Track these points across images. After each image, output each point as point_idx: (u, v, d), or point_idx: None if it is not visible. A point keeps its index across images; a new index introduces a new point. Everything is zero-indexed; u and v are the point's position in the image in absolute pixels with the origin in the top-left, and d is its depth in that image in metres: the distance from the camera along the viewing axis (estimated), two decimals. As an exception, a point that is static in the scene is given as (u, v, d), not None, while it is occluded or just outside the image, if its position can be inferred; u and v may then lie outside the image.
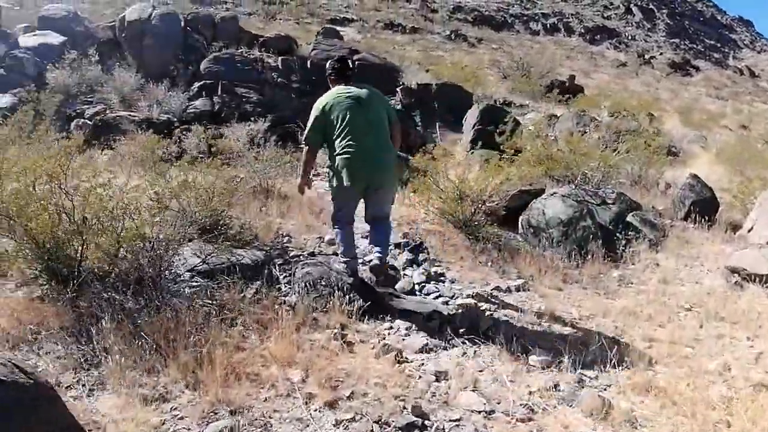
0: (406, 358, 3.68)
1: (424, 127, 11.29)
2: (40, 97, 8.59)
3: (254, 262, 4.93)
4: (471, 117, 10.46)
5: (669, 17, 45.01)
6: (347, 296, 4.42)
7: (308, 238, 5.71)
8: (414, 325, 4.19)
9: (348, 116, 4.19)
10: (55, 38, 12.51)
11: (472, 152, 9.73)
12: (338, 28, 21.66)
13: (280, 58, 11.97)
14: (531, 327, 4.28)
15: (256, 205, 6.48)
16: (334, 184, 4.37)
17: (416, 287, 4.91)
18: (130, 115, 9.83)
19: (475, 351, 3.82)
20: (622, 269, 5.79)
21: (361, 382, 3.34)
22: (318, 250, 5.36)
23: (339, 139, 4.21)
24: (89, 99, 10.63)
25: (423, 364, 3.60)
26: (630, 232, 6.22)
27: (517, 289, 5.06)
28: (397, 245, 5.66)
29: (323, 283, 4.58)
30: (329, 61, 4.70)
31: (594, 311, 4.63)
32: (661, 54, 38.31)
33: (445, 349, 3.84)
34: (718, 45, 45.41)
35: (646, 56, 36.86)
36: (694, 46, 42.66)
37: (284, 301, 4.47)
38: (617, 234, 6.19)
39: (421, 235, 6.00)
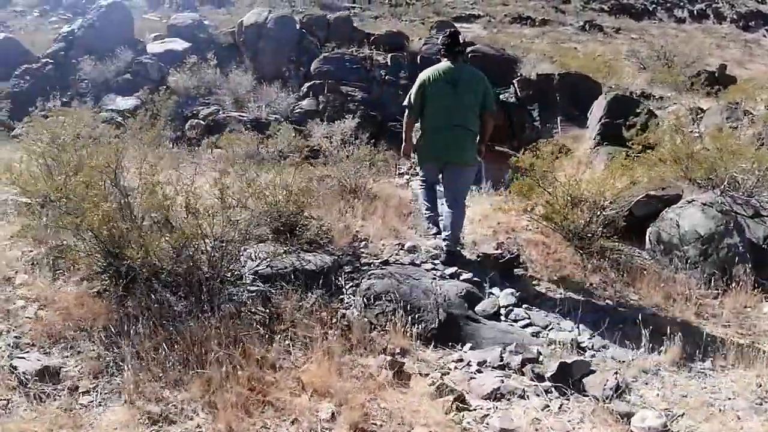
0: (469, 404, 2.94)
1: (543, 121, 10.21)
2: (156, 98, 8.94)
3: (320, 268, 4.46)
4: (597, 109, 9.19)
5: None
6: (414, 315, 3.78)
7: (387, 243, 5.13)
8: (489, 360, 3.43)
9: (439, 94, 4.46)
10: (180, 45, 13.25)
11: (597, 149, 8.52)
12: (464, 25, 20.90)
13: (389, 55, 11.56)
14: (641, 377, 3.30)
15: (340, 206, 6.04)
16: (418, 155, 4.84)
17: (502, 310, 4.10)
18: (239, 115, 10.00)
19: (561, 405, 2.96)
20: (778, 303, 4.46)
21: (402, 431, 2.68)
22: (394, 259, 4.75)
23: (428, 114, 4.54)
24: (206, 101, 11.03)
25: (488, 415, 2.84)
26: (793, 254, 4.80)
27: (634, 323, 4.04)
28: (487, 257, 4.86)
29: (388, 297, 3.97)
30: (440, 36, 4.83)
31: (734, 359, 3.49)
32: (825, 39, 32.49)
33: (522, 397, 3.02)
34: None
35: (809, 42, 31.45)
36: None
37: (344, 314, 3.94)
38: (774, 254, 4.81)
39: (520, 247, 5.14)
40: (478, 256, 4.91)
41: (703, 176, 5.71)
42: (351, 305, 4.08)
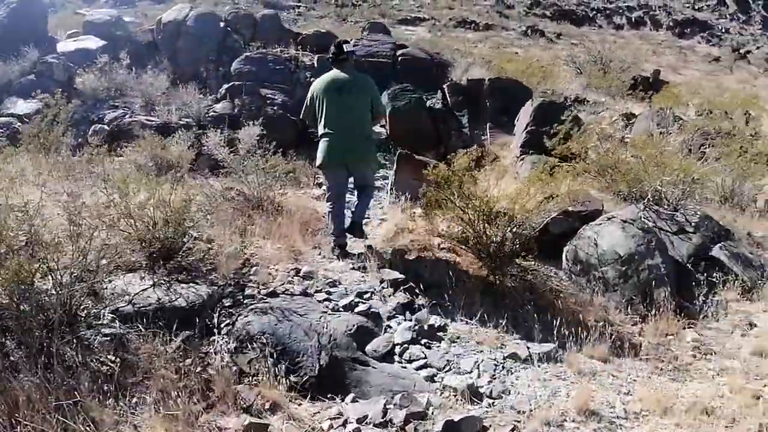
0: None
1: (472, 128, 9.85)
2: (56, 101, 8.04)
3: (192, 303, 3.85)
4: (524, 116, 8.90)
5: (765, 9, 40.24)
6: (292, 360, 3.24)
7: (281, 269, 4.55)
8: (371, 415, 2.92)
9: (329, 102, 4.73)
10: (94, 43, 12.22)
11: (523, 158, 8.20)
12: (409, 27, 20.52)
13: (316, 56, 10.97)
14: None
15: (239, 224, 5.42)
16: (317, 163, 5.02)
17: (397, 349, 3.61)
18: (147, 119, 9.18)
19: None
20: (701, 329, 4.15)
21: None
22: (284, 288, 4.18)
23: (322, 122, 4.79)
24: (116, 104, 10.12)
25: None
26: (715, 273, 4.53)
27: (544, 359, 3.62)
28: (392, 283, 4.37)
29: (264, 339, 3.41)
30: (331, 45, 5.07)
31: (650, 405, 3.10)
32: (758, 48, 34.32)
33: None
34: (822, 38, 40.11)
35: (742, 51, 33.13)
36: (795, 39, 37.82)
37: (208, 363, 3.36)
38: (697, 275, 4.52)
39: (429, 267, 4.67)
40: (382, 282, 4.43)
41: (627, 189, 5.41)
42: (221, 350, 3.50)
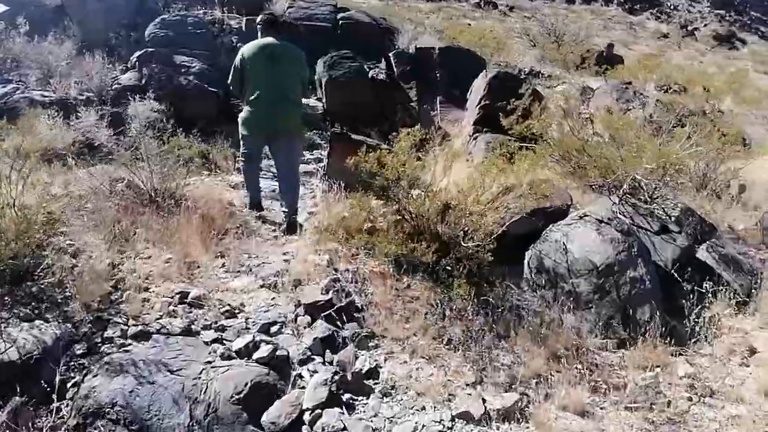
0: None
1: (421, 102, 8.85)
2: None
3: (28, 355, 2.77)
4: (477, 89, 7.94)
5: (713, -13, 40.91)
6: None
7: (163, 292, 3.48)
8: None
9: (257, 69, 4.54)
10: (-5, 8, 10.49)
11: (476, 137, 7.28)
12: (360, -5, 19.07)
13: (245, 18, 9.65)
14: None
15: (122, 227, 4.28)
16: (240, 131, 4.82)
17: (306, 416, 2.62)
18: (42, 95, 7.73)
19: None
20: (693, 356, 3.36)
21: None
22: (161, 323, 3.12)
23: (248, 90, 4.61)
24: (9, 77, 8.57)
25: None
26: (704, 282, 3.73)
27: (505, 417, 2.73)
28: (313, 307, 3.38)
29: (115, 414, 2.37)
30: (262, 13, 5.03)
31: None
32: (705, 26, 34.77)
33: None
34: (766, 18, 41.18)
35: (689, 27, 33.47)
36: (740, 18, 38.52)
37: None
38: (683, 284, 3.72)
39: (357, 285, 3.70)
40: (297, 305, 3.43)
41: (598, 177, 4.55)
42: (58, 429, 2.44)
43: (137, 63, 8.35)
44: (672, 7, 37.75)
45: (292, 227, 4.64)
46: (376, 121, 7.63)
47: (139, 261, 3.94)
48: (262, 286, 3.63)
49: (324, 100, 7.74)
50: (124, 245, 4.11)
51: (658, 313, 3.41)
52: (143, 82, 7.70)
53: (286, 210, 4.73)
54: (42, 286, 3.42)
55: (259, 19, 4.84)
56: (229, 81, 4.82)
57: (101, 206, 4.48)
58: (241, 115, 4.74)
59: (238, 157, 4.96)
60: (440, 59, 9.66)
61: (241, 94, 4.78)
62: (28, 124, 6.32)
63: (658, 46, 29.91)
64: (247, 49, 4.61)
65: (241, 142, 4.87)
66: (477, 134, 7.29)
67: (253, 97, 4.57)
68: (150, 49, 8.61)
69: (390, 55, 9.36)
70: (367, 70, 8.00)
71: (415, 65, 9.41)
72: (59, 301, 3.32)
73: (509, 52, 15.39)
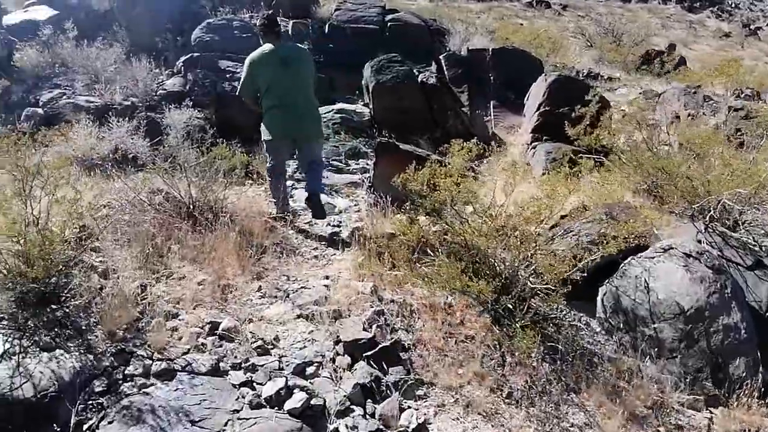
0: None
1: (473, 107, 8.37)
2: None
3: (44, 392, 2.50)
4: (536, 93, 7.41)
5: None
6: None
7: (192, 321, 3.17)
8: None
9: (273, 76, 4.52)
10: (44, 13, 10.62)
11: (535, 146, 6.76)
12: (409, -2, 18.70)
13: (291, 22, 9.43)
14: None
15: (156, 243, 4.03)
16: (263, 138, 4.74)
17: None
18: (87, 100, 7.70)
19: None
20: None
21: None
22: (187, 359, 2.80)
23: (266, 97, 4.60)
24: (58, 82, 8.63)
25: None
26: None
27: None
28: (354, 345, 2.99)
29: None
30: (260, 17, 4.99)
31: None
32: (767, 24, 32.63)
33: None
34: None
35: (752, 26, 31.48)
36: (804, 17, 36.00)
37: None
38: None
39: (404, 319, 3.28)
40: (336, 342, 3.05)
41: (682, 201, 3.97)
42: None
43: (182, 68, 8.23)
44: (733, 5, 35.77)
45: (318, 210, 4.68)
46: (426, 128, 7.20)
47: (172, 282, 3.67)
48: (299, 316, 3.27)
49: (371, 106, 7.38)
50: (158, 263, 3.85)
51: (754, 368, 2.84)
52: (187, 87, 7.55)
53: (307, 186, 4.80)
54: (67, 310, 3.18)
55: (258, 23, 4.84)
56: (238, 92, 4.79)
57: (137, 220, 4.24)
58: (264, 122, 4.70)
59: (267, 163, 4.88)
60: (493, 61, 9.17)
61: (256, 103, 4.74)
62: (67, 132, 6.23)
63: (720, 45, 28.33)
64: (255, 58, 4.59)
65: (265, 147, 4.83)
66: (536, 143, 6.77)
67: (274, 104, 4.56)
68: (195, 54, 8.48)
69: (440, 57, 8.92)
70: (417, 73, 7.59)
71: (467, 68, 8.94)
72: (83, 327, 3.07)
73: (565, 53, 14.74)
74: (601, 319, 3.36)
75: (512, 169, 4.13)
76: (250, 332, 3.07)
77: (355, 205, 5.62)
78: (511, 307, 3.15)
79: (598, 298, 3.42)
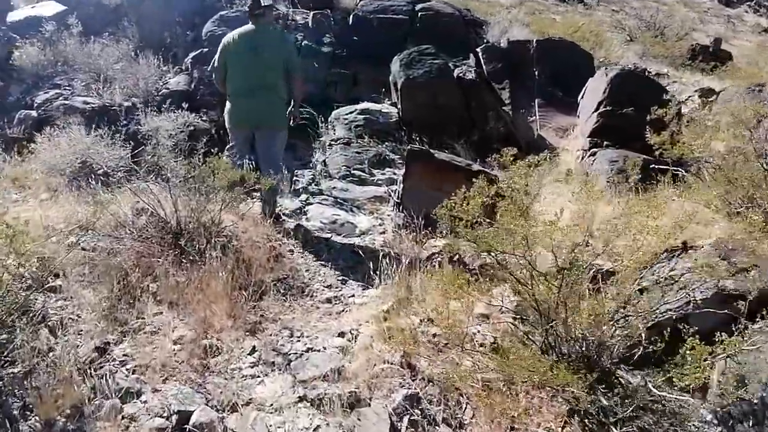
0: None
1: (515, 105, 7.37)
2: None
3: None
4: (593, 90, 6.37)
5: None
6: None
7: (155, 406, 2.30)
8: None
9: (240, 58, 4.37)
10: (52, 8, 9.97)
11: (594, 152, 5.74)
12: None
13: (311, 13, 8.54)
14: None
15: (130, 281, 3.18)
16: (226, 124, 4.57)
17: None
18: (84, 101, 6.97)
19: None
20: None
21: None
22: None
23: (231, 79, 4.42)
24: (58, 81, 7.94)
25: None
26: None
27: None
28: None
29: None
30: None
31: None
32: (806, 20, 30.74)
33: None
34: None
35: (791, 22, 29.71)
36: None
37: None
38: None
39: (448, 407, 2.34)
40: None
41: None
42: None
43: (190, 65, 7.45)
44: (771, 0, 33.93)
45: (274, 219, 4.31)
46: (463, 131, 6.25)
47: (142, 337, 2.81)
48: (301, 399, 2.36)
49: (399, 106, 6.44)
50: (128, 309, 3.01)
51: None
52: (193, 86, 6.76)
53: (265, 203, 4.37)
54: (2, 380, 2.36)
55: (247, 4, 4.67)
56: (209, 71, 4.75)
57: (113, 248, 3.41)
58: (226, 108, 4.52)
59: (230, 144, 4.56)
60: (538, 54, 8.13)
61: (223, 85, 4.51)
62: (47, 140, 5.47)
63: (760, 41, 26.87)
64: (228, 38, 4.44)
65: (229, 135, 4.59)
66: (595, 149, 5.75)
67: (234, 89, 4.41)
68: (205, 50, 7.69)
69: (478, 50, 7.93)
70: (452, 68, 6.62)
71: (508, 62, 7.93)
72: (13, 414, 2.22)
73: (608, 47, 13.67)
74: (714, 404, 2.38)
75: (586, 188, 3.17)
76: (231, 430, 2.18)
77: (380, 225, 4.72)
78: (604, 401, 2.19)
79: (713, 377, 2.44)
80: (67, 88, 7.78)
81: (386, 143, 6.06)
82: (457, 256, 3.73)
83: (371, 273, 3.53)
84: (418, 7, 8.62)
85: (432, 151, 4.51)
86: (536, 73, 8.01)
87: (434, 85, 6.16)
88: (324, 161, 5.73)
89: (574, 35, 12.30)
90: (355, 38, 8.18)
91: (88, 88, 7.62)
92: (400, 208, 4.52)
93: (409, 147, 4.42)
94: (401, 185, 4.54)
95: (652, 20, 19.13)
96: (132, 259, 3.41)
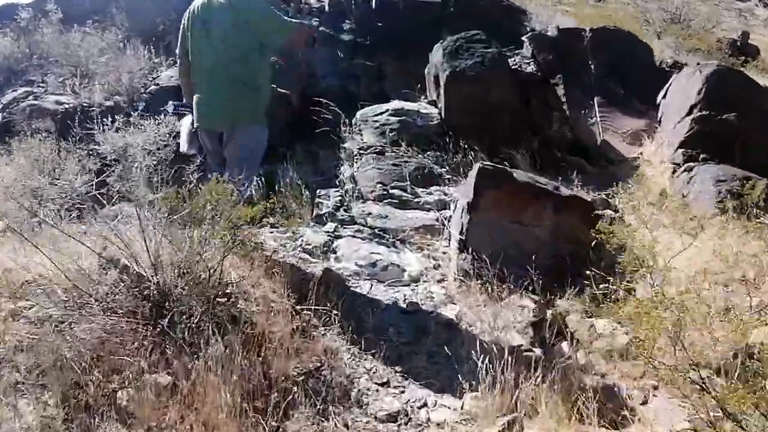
0: None
1: (571, 105, 6.17)
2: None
3: None
4: (682, 91, 5.15)
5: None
6: None
7: None
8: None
9: (196, 37, 3.33)
10: (28, -6, 8.86)
11: (689, 167, 4.55)
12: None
13: (329, -6, 7.35)
14: None
15: (96, 382, 2.02)
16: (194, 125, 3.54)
17: None
18: (57, 101, 5.81)
19: None
20: None
21: None
22: None
23: (193, 67, 3.41)
24: (33, 78, 6.77)
25: None
26: None
27: None
28: None
29: None
30: None
31: None
32: (816, 15, 29.62)
33: None
34: None
35: (801, 16, 28.62)
36: None
37: None
38: None
39: None
40: None
41: None
42: None
43: (186, 57, 6.25)
44: (781, -6, 32.91)
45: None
46: (521, 136, 5.06)
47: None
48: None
49: (441, 104, 5.24)
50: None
51: None
52: (186, 83, 5.56)
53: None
54: None
55: None
56: (177, 54, 3.62)
57: (64, 330, 2.24)
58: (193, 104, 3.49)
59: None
60: (592, 44, 6.94)
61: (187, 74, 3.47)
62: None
63: (774, 35, 26.10)
64: (190, 9, 3.40)
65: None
66: (690, 163, 4.55)
67: (196, 84, 3.40)
68: (204, 38, 6.48)
69: (524, 38, 6.73)
70: (507, 56, 5.41)
71: (558, 53, 6.74)
72: None
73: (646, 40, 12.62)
74: None
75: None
76: None
77: (436, 268, 3.55)
78: None
79: None
80: (40, 84, 6.61)
81: (428, 152, 4.87)
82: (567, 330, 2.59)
83: (441, 356, 2.37)
84: (452, -15, 7.40)
85: (510, 170, 3.32)
86: (592, 66, 6.83)
87: (487, 79, 4.96)
88: (353, 176, 4.55)
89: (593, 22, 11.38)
90: (379, 24, 6.97)
91: (65, 84, 6.45)
92: (465, 246, 3.35)
93: (479, 165, 3.24)
94: (467, 215, 3.36)
95: (677, 12, 17.97)
96: (92, 345, 2.25)
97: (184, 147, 3.62)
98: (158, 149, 2.97)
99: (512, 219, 3.35)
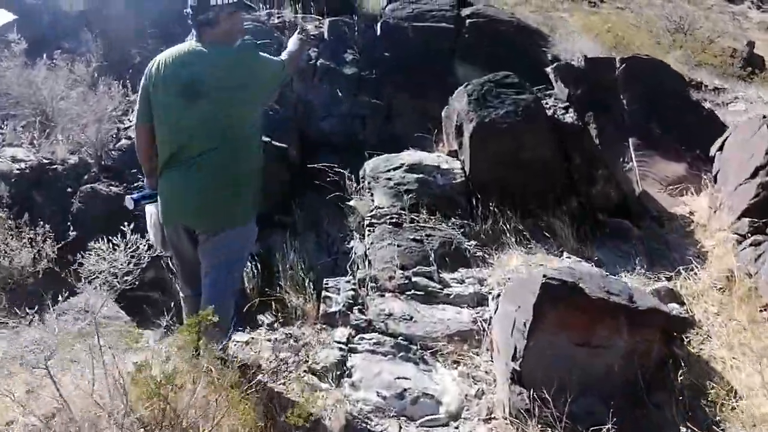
0: None
1: (605, 147, 5.41)
2: None
3: None
4: (742, 145, 4.34)
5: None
6: None
7: None
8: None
9: (166, 103, 2.48)
10: (1, 18, 8.02)
11: (757, 241, 3.79)
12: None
13: (328, 20, 6.55)
14: None
15: None
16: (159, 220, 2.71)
17: None
18: (14, 157, 4.98)
19: None
20: None
21: None
22: None
23: (158, 140, 2.57)
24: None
25: None
26: None
27: None
28: None
29: None
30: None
31: None
32: (810, 17, 29.53)
33: None
34: None
35: (795, 19, 28.52)
36: None
37: None
38: None
39: None
40: None
41: None
42: None
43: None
44: (773, -4, 32.86)
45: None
46: (558, 197, 4.30)
47: None
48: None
49: (465, 158, 4.45)
50: None
51: None
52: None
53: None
54: None
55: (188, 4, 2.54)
56: (133, 123, 3.16)
57: None
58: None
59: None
60: (624, 76, 6.20)
61: (149, 153, 2.66)
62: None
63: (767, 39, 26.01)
64: (155, 62, 2.53)
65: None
66: (758, 237, 3.79)
67: (161, 158, 2.56)
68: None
69: (548, 70, 5.99)
70: (542, 100, 4.63)
71: (587, 86, 6.00)
72: None
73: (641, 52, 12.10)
74: None
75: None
76: None
77: (479, 396, 2.78)
78: None
79: None
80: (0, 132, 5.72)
81: (452, 218, 4.09)
82: None
83: None
84: (466, 11, 6.61)
85: (578, 282, 2.55)
86: (624, 101, 6.10)
87: (521, 132, 4.20)
88: (365, 255, 3.77)
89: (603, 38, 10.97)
90: (386, 53, 6.17)
91: (25, 131, 5.62)
92: (520, 378, 2.58)
93: (543, 281, 2.46)
94: (521, 339, 2.59)
95: (681, 22, 17.36)
96: None
97: (158, 246, 2.85)
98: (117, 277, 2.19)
99: (579, 341, 2.60)
